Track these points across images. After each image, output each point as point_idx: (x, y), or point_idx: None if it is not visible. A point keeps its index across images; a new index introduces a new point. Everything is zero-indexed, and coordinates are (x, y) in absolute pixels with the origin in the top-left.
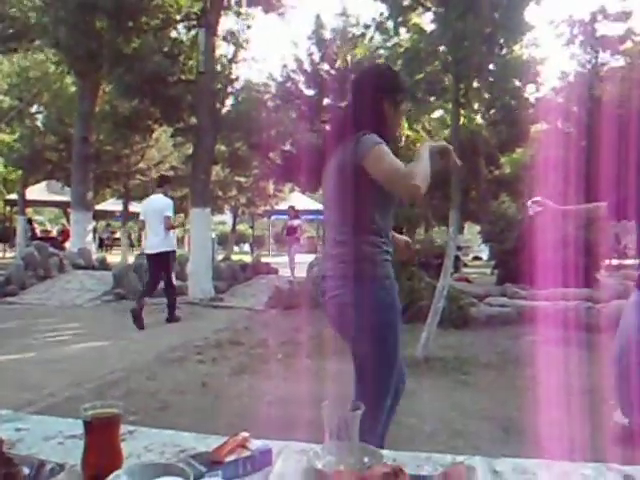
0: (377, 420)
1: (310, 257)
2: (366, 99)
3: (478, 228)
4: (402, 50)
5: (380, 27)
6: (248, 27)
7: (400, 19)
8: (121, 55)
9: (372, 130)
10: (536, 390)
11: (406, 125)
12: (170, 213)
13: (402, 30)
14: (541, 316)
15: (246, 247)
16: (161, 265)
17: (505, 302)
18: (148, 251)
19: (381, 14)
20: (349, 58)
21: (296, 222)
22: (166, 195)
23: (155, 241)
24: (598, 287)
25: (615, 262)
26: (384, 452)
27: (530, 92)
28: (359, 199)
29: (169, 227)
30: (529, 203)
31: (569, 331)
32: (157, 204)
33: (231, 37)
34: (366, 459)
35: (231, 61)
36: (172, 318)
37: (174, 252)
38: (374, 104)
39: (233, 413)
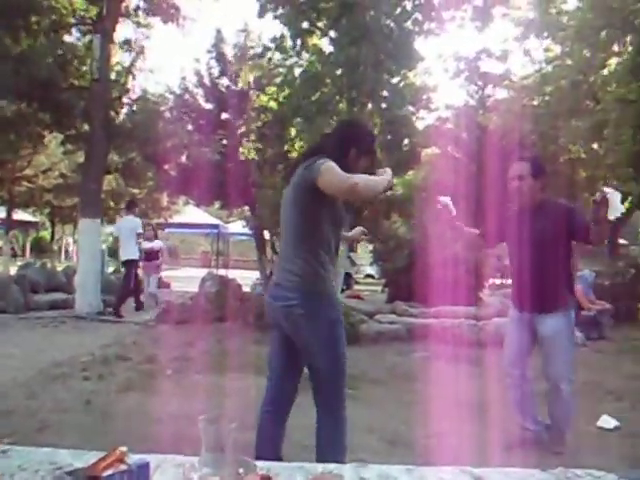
0: (341, 429)
1: (203, 271)
2: (336, 141)
3: (371, 247)
4: (300, 70)
5: (280, 47)
6: (147, 37)
7: (299, 41)
8: (7, 55)
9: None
10: (422, 404)
11: (298, 146)
12: (140, 230)
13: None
14: (428, 333)
15: None
16: (132, 268)
17: (394, 319)
18: (124, 258)
19: (281, 35)
20: (248, 75)
21: (156, 245)
22: (135, 216)
23: (129, 251)
24: (481, 305)
25: (498, 282)
26: (259, 463)
27: (422, 117)
28: (313, 219)
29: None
30: (439, 199)
31: (454, 347)
32: (130, 224)
33: (128, 45)
34: (241, 470)
35: (127, 70)
36: (117, 313)
37: (139, 260)
38: (341, 148)
39: (118, 431)
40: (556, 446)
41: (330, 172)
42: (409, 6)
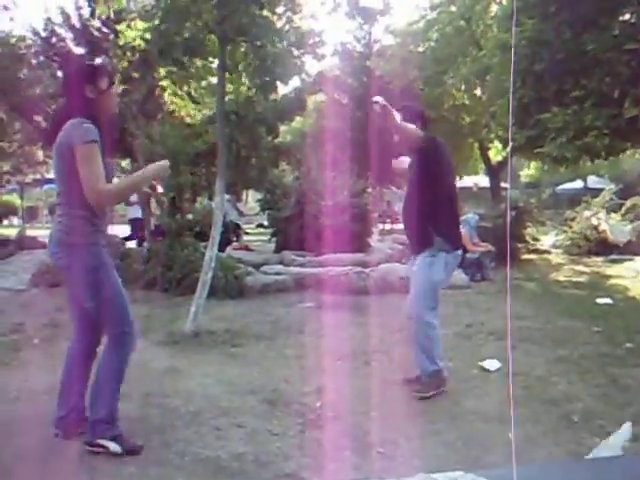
0: (122, 365)
1: None
2: (70, 90)
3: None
4: (162, 5)
5: None
6: None
7: None
8: None
9: (81, 116)
10: (306, 358)
11: (169, 91)
12: None
13: None
14: (316, 282)
15: (15, 220)
16: None
17: (280, 270)
18: None
19: None
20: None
21: None
22: None
23: None
24: (370, 251)
25: (388, 227)
26: None
27: (309, 63)
28: (73, 177)
29: None
30: (374, 99)
31: (341, 296)
32: None
33: None
34: None
35: None
36: None
37: None
38: (77, 93)
39: None
40: (425, 387)
41: (86, 165)
42: None
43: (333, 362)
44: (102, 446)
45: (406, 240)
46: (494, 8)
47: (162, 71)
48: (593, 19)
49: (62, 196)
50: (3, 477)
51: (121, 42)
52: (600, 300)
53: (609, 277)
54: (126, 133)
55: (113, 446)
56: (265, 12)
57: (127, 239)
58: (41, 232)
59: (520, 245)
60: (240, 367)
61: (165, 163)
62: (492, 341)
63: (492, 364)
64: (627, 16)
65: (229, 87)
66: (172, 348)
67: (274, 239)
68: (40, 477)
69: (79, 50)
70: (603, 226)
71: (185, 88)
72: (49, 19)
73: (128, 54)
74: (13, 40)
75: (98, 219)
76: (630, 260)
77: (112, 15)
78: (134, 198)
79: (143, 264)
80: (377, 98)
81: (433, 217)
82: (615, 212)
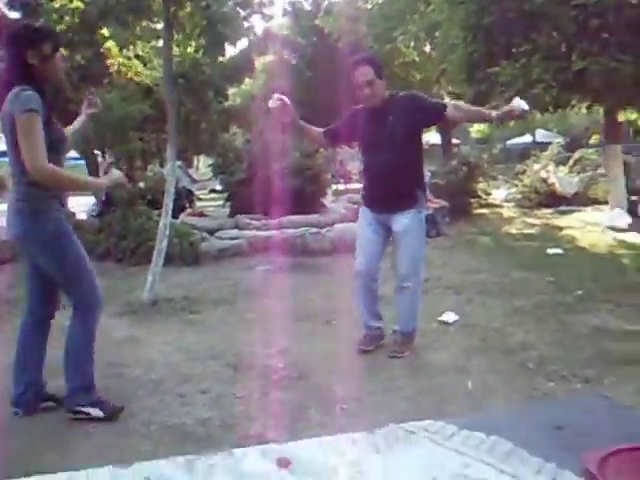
0: (90, 332)
1: None
2: (10, 56)
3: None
4: None
5: None
6: None
7: None
8: None
9: (23, 83)
10: (265, 321)
11: (116, 51)
12: None
13: None
14: (271, 245)
15: None
16: None
17: (235, 234)
18: None
19: None
20: None
21: None
22: None
23: None
24: (325, 212)
25: (341, 187)
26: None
27: (258, 24)
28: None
29: None
30: (272, 97)
31: (298, 257)
32: None
33: None
34: None
35: None
36: None
37: None
38: (17, 60)
39: None
40: (401, 348)
41: (24, 136)
42: None
43: (294, 323)
44: (84, 412)
45: (359, 199)
46: None
47: (105, 33)
48: None
49: (14, 166)
50: None
51: (57, 4)
52: (551, 251)
53: (559, 228)
54: (70, 101)
55: (94, 411)
56: None
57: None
58: None
59: (472, 200)
60: (200, 333)
61: (115, 176)
62: (450, 295)
63: (450, 316)
64: None
65: (175, 50)
66: (130, 318)
67: (228, 204)
68: (4, 454)
69: (13, 14)
70: (552, 179)
71: (132, 49)
72: None
73: (66, 18)
74: None
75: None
76: (578, 211)
77: None
78: None
79: (95, 235)
80: (276, 96)
81: (418, 173)
82: (563, 165)
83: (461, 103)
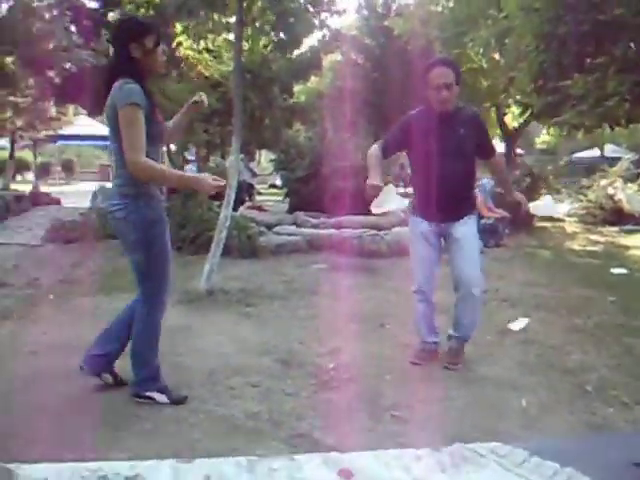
0: (155, 324)
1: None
2: (116, 49)
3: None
4: None
5: None
6: None
7: None
8: None
9: (127, 76)
10: (319, 319)
11: (186, 44)
12: None
13: None
14: (329, 244)
15: (30, 176)
16: None
17: (294, 231)
18: None
19: None
20: None
21: None
22: None
23: None
24: (384, 214)
25: (401, 190)
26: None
27: (326, 21)
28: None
29: None
30: (369, 183)
31: (355, 258)
32: None
33: None
34: None
35: None
36: None
37: None
38: (121, 53)
39: None
40: (456, 358)
41: (126, 129)
42: None
43: (347, 324)
44: (150, 397)
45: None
46: None
47: (178, 27)
48: None
49: (116, 153)
50: (21, 428)
51: None
52: (615, 270)
53: (624, 247)
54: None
55: (160, 397)
56: None
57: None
58: (54, 189)
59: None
60: (254, 327)
61: (214, 181)
62: (506, 308)
63: (517, 324)
64: None
65: (245, 45)
66: (186, 306)
67: (287, 200)
68: (56, 429)
69: (93, 4)
70: (619, 195)
71: (202, 43)
72: None
73: (142, 10)
74: None
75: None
76: None
77: None
78: None
79: None
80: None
81: (474, 182)
82: (632, 182)
83: (502, 162)
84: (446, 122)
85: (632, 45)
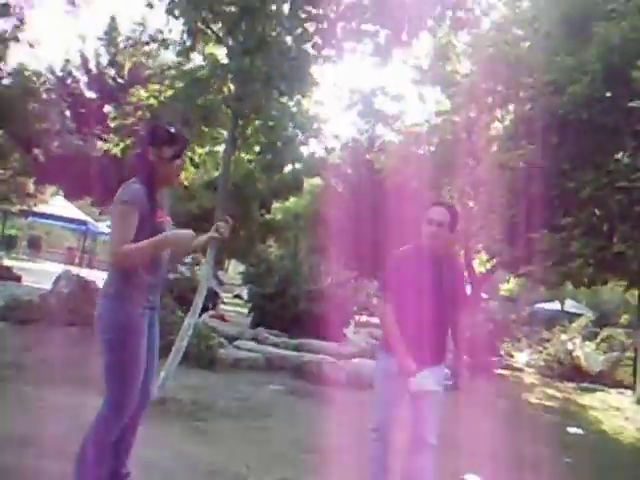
0: (113, 426)
1: (66, 268)
2: (139, 149)
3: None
4: (186, 71)
5: (165, 41)
6: (31, 6)
7: (189, 43)
8: None
9: (142, 176)
10: (269, 444)
11: None
12: None
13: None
14: (287, 365)
15: None
16: None
17: (254, 347)
18: None
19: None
20: (128, 63)
21: None
22: None
23: None
24: (345, 342)
25: (364, 319)
26: None
27: (307, 144)
28: None
29: None
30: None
31: (311, 384)
32: None
33: (5, 10)
34: None
35: (2, 38)
36: None
37: None
38: (141, 154)
39: None
40: None
41: (114, 224)
42: (311, 28)
43: (298, 454)
44: None
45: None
46: (496, 125)
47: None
48: (591, 157)
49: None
50: None
51: (134, 99)
52: (572, 429)
53: (581, 406)
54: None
55: None
56: (283, 99)
57: None
58: (17, 264)
59: (494, 359)
60: (202, 444)
61: (190, 233)
62: (460, 457)
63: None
64: (620, 154)
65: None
66: None
67: (251, 314)
68: None
69: (90, 94)
70: (578, 352)
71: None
72: (68, 60)
73: (139, 112)
74: (27, 73)
75: (150, 276)
76: (601, 390)
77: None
78: None
79: None
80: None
81: (449, 326)
82: (590, 340)
83: (463, 327)
84: (435, 264)
85: (597, 212)
